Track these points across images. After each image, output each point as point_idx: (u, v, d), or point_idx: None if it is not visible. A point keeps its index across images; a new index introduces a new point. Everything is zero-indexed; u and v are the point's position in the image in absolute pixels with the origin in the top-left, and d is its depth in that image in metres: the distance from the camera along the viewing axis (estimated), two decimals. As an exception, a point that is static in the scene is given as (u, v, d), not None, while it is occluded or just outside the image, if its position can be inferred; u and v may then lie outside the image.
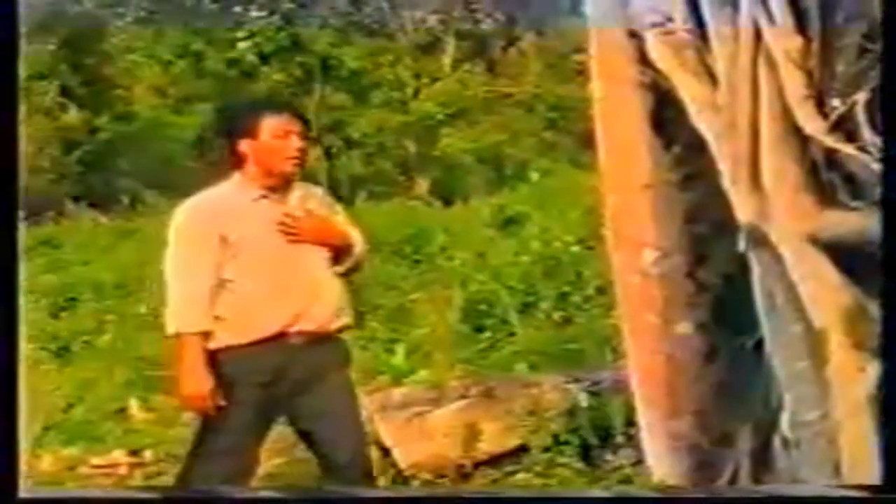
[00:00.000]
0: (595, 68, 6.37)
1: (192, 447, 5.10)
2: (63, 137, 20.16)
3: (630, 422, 6.58)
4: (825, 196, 5.45)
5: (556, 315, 10.47)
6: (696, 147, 5.80)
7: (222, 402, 4.87)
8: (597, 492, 6.40)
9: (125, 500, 7.75)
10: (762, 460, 5.90)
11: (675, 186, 6.08)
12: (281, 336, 4.88)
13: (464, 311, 10.43)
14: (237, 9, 20.72)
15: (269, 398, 4.96)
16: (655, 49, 5.89)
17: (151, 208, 18.50)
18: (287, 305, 4.88)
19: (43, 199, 18.72)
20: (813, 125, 5.38)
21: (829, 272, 5.35)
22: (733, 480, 5.95)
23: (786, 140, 5.44)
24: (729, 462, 6.01)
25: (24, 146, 19.44)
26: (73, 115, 20.32)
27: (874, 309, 5.15)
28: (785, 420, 5.68)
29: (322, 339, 5.01)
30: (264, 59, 21.08)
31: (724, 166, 5.63)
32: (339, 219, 5.20)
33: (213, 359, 4.90)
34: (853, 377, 5.33)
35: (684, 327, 6.14)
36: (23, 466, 8.25)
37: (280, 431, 8.88)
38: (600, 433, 6.89)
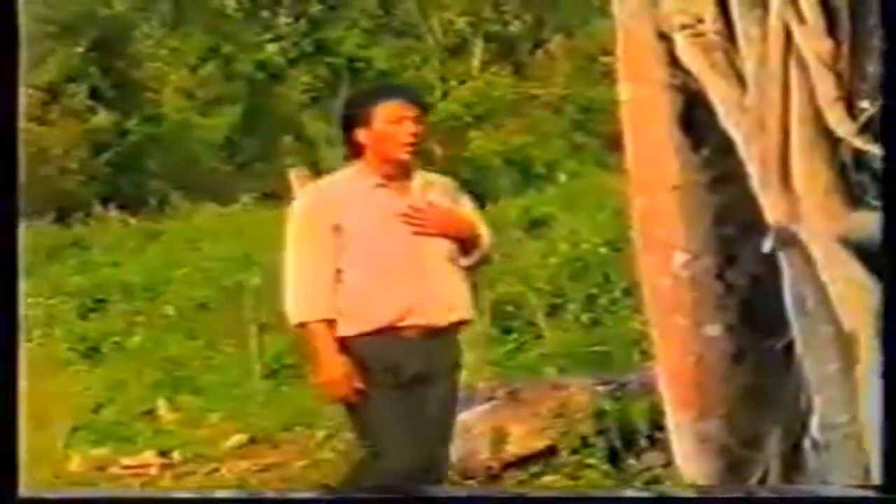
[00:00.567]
0: (623, 70, 6.36)
1: (364, 447, 4.88)
2: (92, 139, 20.23)
3: (658, 424, 6.57)
4: (854, 197, 5.43)
5: (584, 317, 10.46)
6: (725, 149, 5.79)
7: (360, 385, 4.68)
8: (628, 492, 6.39)
9: (125, 500, 7.80)
10: (792, 463, 5.88)
11: (704, 188, 6.07)
12: (394, 329, 4.72)
13: (491, 313, 10.42)
14: (265, 12, 20.76)
15: (393, 391, 4.76)
16: (685, 50, 5.88)
17: (179, 210, 18.56)
18: (399, 298, 4.71)
19: (72, 201, 18.79)
20: (843, 127, 5.36)
21: (859, 274, 5.33)
22: (762, 483, 5.94)
23: (816, 142, 5.42)
24: (758, 464, 6.00)
25: (54, 148, 19.42)
26: (102, 117, 20.38)
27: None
28: (815, 422, 5.66)
29: (436, 335, 4.82)
30: (292, 61, 21.12)
31: (752, 168, 5.62)
32: (465, 210, 5.01)
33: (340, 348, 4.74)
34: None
35: (713, 329, 6.13)
36: (52, 466, 8.32)
37: (301, 432, 8.96)
38: (628, 435, 6.88)
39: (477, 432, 7.14)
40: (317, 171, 22.06)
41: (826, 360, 5.55)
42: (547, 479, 6.94)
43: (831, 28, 5.39)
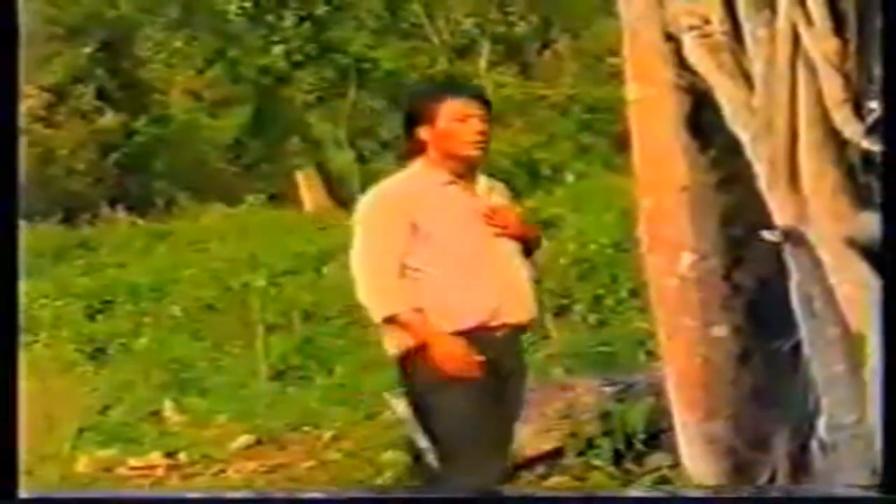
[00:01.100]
0: (630, 71, 6.36)
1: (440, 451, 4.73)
2: (99, 141, 20.24)
3: (665, 425, 6.56)
4: (862, 198, 5.43)
5: (591, 318, 10.46)
6: (733, 149, 5.78)
7: (480, 357, 4.54)
8: (635, 492, 6.39)
9: (124, 501, 7.80)
10: (799, 464, 5.88)
11: (711, 189, 6.07)
12: (485, 329, 4.62)
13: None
14: (271, 14, 20.74)
15: (484, 396, 4.61)
16: (692, 51, 5.88)
17: (186, 211, 18.58)
18: (487, 297, 4.63)
19: (79, 202, 18.80)
20: (851, 128, 5.35)
21: (867, 275, 5.32)
22: (770, 484, 5.94)
23: (824, 143, 5.42)
24: (766, 465, 5.99)
25: (61, 150, 19.42)
26: (109, 118, 20.39)
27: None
28: (822, 423, 5.65)
29: (520, 333, 4.80)
30: (298, 63, 21.11)
31: (760, 169, 5.61)
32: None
33: (421, 357, 4.60)
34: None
35: (720, 330, 6.13)
36: (59, 468, 8.33)
37: (309, 433, 8.96)
38: (635, 436, 6.86)
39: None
40: (324, 172, 22.12)
41: (833, 360, 5.55)
42: (553, 480, 6.92)
43: (839, 29, 5.39)
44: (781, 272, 5.66)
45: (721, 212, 6.07)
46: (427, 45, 22.89)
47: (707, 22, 5.82)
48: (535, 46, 24.12)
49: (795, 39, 5.43)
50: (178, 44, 21.57)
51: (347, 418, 9.01)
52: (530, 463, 7.05)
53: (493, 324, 4.64)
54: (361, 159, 22.25)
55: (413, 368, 4.63)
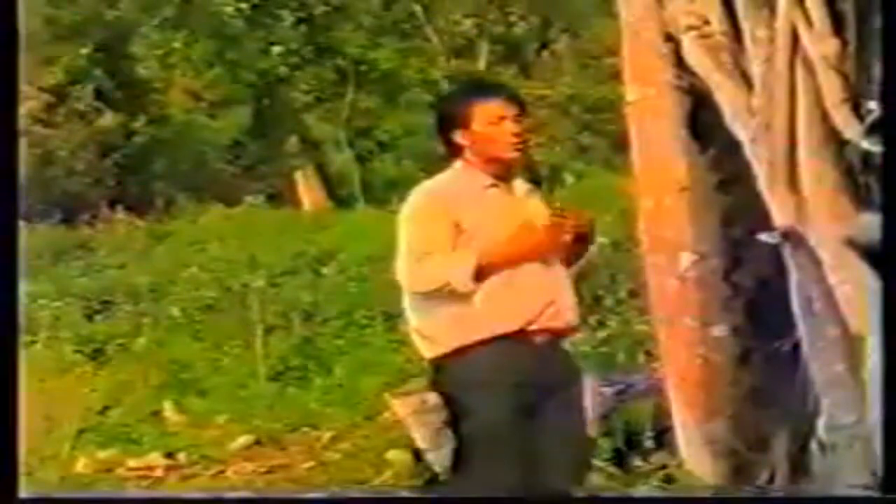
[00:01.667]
0: (629, 71, 6.36)
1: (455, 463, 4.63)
2: (98, 141, 20.19)
3: (665, 425, 6.55)
4: (861, 198, 5.43)
5: (591, 319, 10.44)
6: (732, 150, 5.78)
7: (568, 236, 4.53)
8: (637, 492, 6.39)
9: (124, 501, 7.79)
10: (799, 464, 5.87)
11: (710, 189, 6.07)
12: (524, 334, 4.54)
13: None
14: (270, 11, 20.71)
15: (520, 405, 4.53)
16: (691, 52, 5.88)
17: (185, 211, 18.53)
18: (531, 301, 4.55)
19: (78, 203, 18.75)
20: (850, 128, 5.35)
21: (866, 275, 5.32)
22: (770, 484, 5.94)
23: (823, 143, 5.42)
24: (765, 466, 5.99)
25: (60, 150, 19.35)
26: (108, 118, 20.34)
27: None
28: (821, 424, 5.65)
29: (560, 342, 4.68)
30: (297, 64, 21.09)
31: (759, 169, 5.61)
32: None
33: (454, 362, 4.53)
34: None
35: (720, 330, 6.13)
36: (58, 468, 8.32)
37: (308, 433, 8.95)
38: (634, 437, 6.86)
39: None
40: (323, 172, 22.11)
41: (833, 361, 5.54)
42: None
43: (838, 30, 5.39)
44: (781, 272, 5.65)
45: (721, 212, 6.07)
46: (426, 46, 22.87)
47: (706, 22, 5.82)
48: (534, 47, 24.10)
49: (795, 40, 5.43)
50: (177, 44, 21.54)
51: (347, 419, 9.00)
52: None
53: (530, 329, 4.55)
54: (360, 159, 22.23)
55: (447, 371, 4.57)
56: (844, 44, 5.38)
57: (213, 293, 12.80)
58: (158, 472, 8.41)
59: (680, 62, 5.97)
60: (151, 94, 22.22)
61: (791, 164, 5.48)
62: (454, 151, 4.67)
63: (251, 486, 7.87)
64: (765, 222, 5.63)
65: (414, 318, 4.63)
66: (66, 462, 8.57)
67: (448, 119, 4.68)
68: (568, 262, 4.70)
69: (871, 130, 5.29)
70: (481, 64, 22.64)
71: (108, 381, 10.81)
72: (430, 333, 4.60)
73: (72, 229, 17.14)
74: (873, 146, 5.27)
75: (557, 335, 4.64)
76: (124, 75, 21.32)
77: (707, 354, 6.11)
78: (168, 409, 9.95)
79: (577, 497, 4.80)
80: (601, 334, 9.72)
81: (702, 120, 6.01)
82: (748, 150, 5.66)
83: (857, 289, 5.37)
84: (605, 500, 6.50)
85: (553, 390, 4.60)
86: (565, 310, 4.63)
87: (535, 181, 4.90)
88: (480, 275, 4.47)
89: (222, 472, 8.31)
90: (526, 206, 4.65)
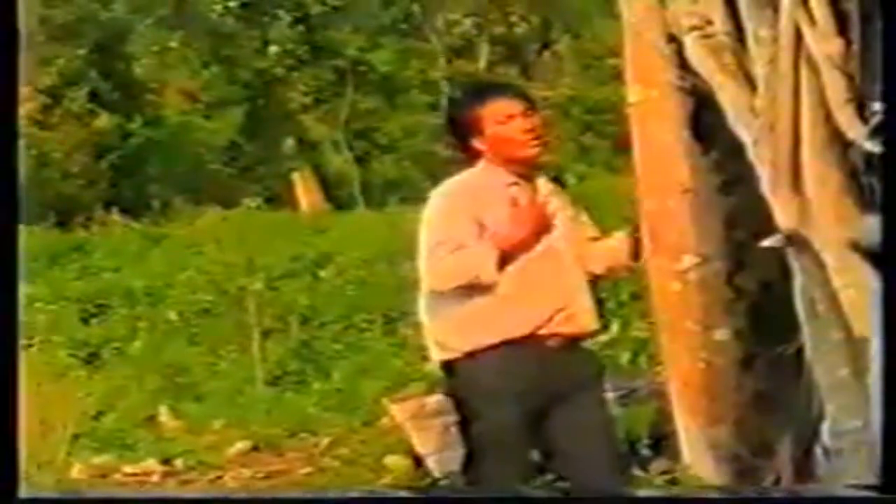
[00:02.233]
0: (631, 72, 6.33)
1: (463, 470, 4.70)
2: (94, 143, 20.15)
3: (668, 430, 6.51)
4: (865, 201, 5.37)
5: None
6: (735, 152, 5.73)
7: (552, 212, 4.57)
8: (640, 493, 6.33)
9: (124, 501, 7.74)
10: (803, 469, 5.83)
11: (713, 191, 6.04)
12: (535, 338, 4.50)
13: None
14: (266, 11, 20.67)
15: (528, 410, 4.50)
16: (694, 53, 5.83)
17: (181, 214, 18.49)
18: (541, 307, 4.50)
19: (74, 205, 18.71)
20: (854, 130, 5.30)
21: (871, 278, 5.27)
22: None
23: (827, 144, 5.37)
24: (769, 471, 5.95)
25: (55, 152, 19.28)
26: (103, 120, 20.30)
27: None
28: (826, 429, 5.60)
29: (578, 345, 4.63)
30: (294, 65, 21.06)
31: (763, 171, 5.55)
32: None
33: (464, 366, 4.51)
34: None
35: (723, 334, 6.10)
36: (54, 474, 8.27)
37: (306, 438, 8.91)
38: (637, 441, 6.81)
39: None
40: (320, 174, 22.07)
41: (837, 365, 5.49)
42: (557, 484, 6.87)
43: (842, 30, 5.34)
44: (784, 275, 5.60)
45: (723, 215, 6.03)
46: (425, 46, 22.84)
47: (709, 23, 5.78)
48: (535, 47, 24.10)
49: (798, 40, 5.37)
50: (173, 44, 21.53)
51: (345, 424, 8.96)
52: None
53: (544, 332, 4.52)
54: (359, 161, 22.19)
55: (457, 375, 4.55)
56: (848, 43, 5.32)
57: (210, 296, 12.77)
58: (154, 478, 8.36)
59: (682, 63, 5.93)
60: (147, 96, 22.21)
61: (794, 166, 5.43)
62: (475, 155, 4.64)
63: (249, 491, 7.84)
64: (768, 225, 5.57)
65: (428, 321, 4.62)
66: (62, 468, 8.50)
67: (461, 127, 4.67)
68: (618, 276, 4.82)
69: (875, 132, 5.24)
70: (481, 65, 22.62)
71: (103, 385, 10.77)
72: (442, 337, 4.57)
73: (67, 232, 17.10)
74: (877, 148, 5.21)
75: (572, 339, 4.59)
76: (120, 76, 21.29)
77: (710, 358, 6.08)
78: (164, 414, 9.91)
79: (577, 497, 4.79)
80: (603, 338, 9.67)
81: (704, 121, 5.97)
82: (751, 152, 5.60)
83: (861, 292, 5.32)
84: (604, 500, 6.44)
85: (566, 394, 4.55)
86: (581, 314, 4.59)
87: (558, 179, 4.89)
88: (499, 264, 4.44)
89: (219, 478, 8.27)
90: (548, 204, 4.62)
